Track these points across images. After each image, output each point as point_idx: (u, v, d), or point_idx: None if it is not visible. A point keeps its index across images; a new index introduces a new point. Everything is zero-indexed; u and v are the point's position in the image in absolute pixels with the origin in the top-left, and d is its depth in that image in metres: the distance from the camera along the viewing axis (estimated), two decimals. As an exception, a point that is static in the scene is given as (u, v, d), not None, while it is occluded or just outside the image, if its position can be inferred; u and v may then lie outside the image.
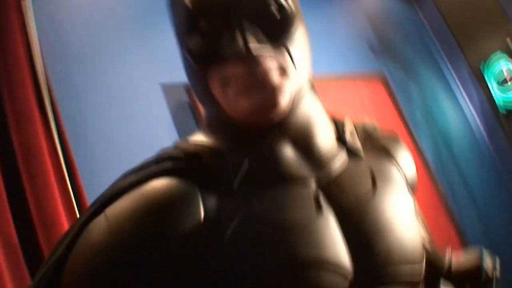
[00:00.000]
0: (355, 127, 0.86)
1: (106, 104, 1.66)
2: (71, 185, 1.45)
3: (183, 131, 1.74)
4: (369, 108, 2.28)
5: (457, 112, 2.95)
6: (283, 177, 0.72)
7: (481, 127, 3.00)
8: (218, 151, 0.73)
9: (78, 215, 1.41)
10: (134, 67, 1.75)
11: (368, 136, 0.87)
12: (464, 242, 2.37)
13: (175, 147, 0.75)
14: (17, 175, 1.35)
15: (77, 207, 1.44)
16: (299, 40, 0.71)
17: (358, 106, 2.24)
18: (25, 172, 1.35)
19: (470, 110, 3.00)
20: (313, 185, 0.73)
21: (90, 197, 1.46)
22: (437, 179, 2.44)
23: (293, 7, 0.70)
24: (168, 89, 1.74)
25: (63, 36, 1.65)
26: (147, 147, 1.56)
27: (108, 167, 1.57)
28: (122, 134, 1.65)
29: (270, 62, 0.66)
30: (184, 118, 1.75)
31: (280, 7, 0.68)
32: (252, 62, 0.64)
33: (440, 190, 2.42)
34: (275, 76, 0.66)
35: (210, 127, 0.77)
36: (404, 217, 0.76)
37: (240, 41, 0.63)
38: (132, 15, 1.79)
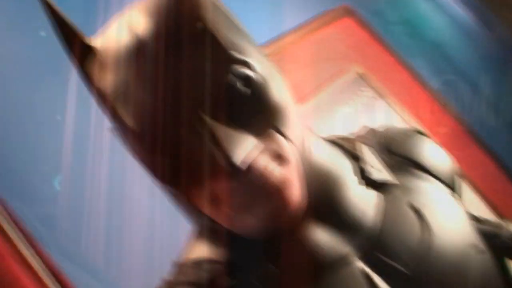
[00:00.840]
0: (371, 147, 0.75)
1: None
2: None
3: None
4: (348, 54, 1.99)
5: (441, 12, 2.65)
6: (322, 269, 0.63)
7: (470, 18, 2.74)
8: (233, 265, 0.64)
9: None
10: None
11: (387, 150, 0.77)
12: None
13: (183, 275, 0.66)
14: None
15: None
16: (283, 103, 0.59)
17: (336, 57, 1.95)
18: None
19: (452, 5, 2.72)
20: (356, 260, 0.64)
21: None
22: (449, 105, 2.19)
23: (264, 70, 0.58)
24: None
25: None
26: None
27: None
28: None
29: (263, 160, 0.56)
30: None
31: (248, 80, 0.56)
32: (241, 175, 0.54)
33: (457, 117, 2.18)
34: (274, 174, 0.57)
35: (208, 235, 0.68)
36: (466, 240, 0.68)
37: (218, 155, 0.53)
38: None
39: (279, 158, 0.57)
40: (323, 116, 1.85)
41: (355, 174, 0.68)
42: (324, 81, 1.84)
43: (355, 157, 0.71)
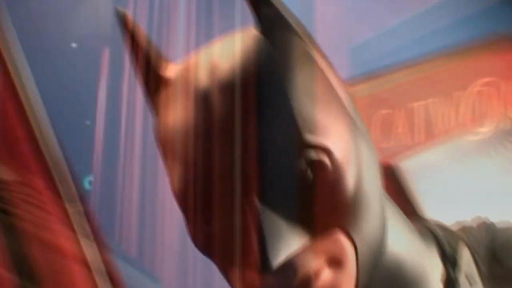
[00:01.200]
0: (474, 248, 0.67)
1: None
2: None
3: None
4: (508, 97, 1.66)
5: None
6: None
7: None
8: None
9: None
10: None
11: (494, 257, 0.68)
12: None
13: None
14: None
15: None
16: (359, 197, 0.53)
17: (490, 98, 1.63)
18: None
19: None
20: None
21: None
22: None
23: (344, 152, 0.52)
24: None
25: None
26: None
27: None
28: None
29: (311, 261, 0.52)
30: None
31: (319, 167, 0.51)
32: (282, 274, 0.51)
33: None
34: (321, 279, 0.52)
35: None
36: None
37: (256, 248, 0.49)
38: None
39: (334, 261, 0.53)
40: (452, 164, 1.59)
41: (441, 280, 0.64)
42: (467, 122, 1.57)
43: (448, 258, 0.65)
